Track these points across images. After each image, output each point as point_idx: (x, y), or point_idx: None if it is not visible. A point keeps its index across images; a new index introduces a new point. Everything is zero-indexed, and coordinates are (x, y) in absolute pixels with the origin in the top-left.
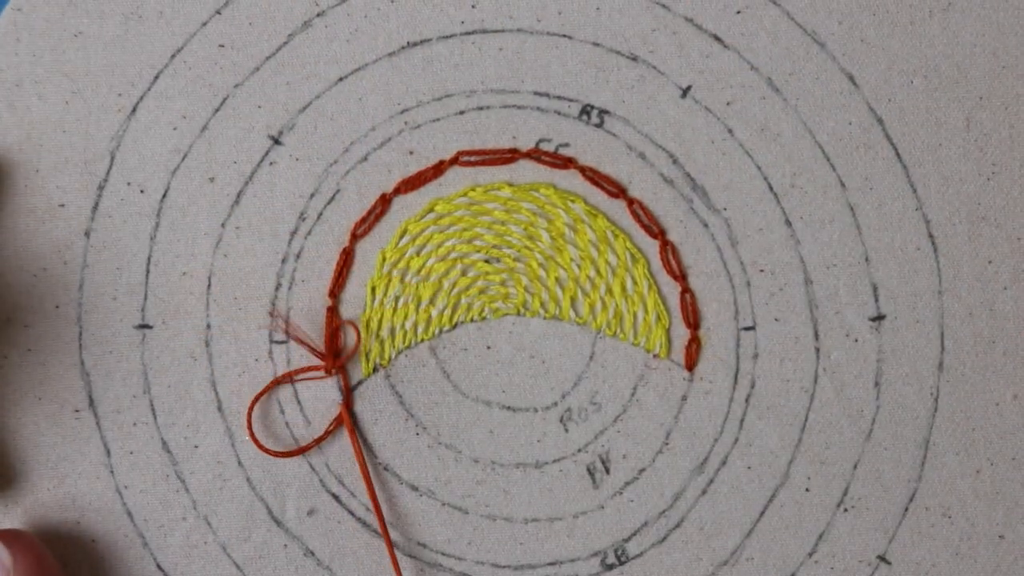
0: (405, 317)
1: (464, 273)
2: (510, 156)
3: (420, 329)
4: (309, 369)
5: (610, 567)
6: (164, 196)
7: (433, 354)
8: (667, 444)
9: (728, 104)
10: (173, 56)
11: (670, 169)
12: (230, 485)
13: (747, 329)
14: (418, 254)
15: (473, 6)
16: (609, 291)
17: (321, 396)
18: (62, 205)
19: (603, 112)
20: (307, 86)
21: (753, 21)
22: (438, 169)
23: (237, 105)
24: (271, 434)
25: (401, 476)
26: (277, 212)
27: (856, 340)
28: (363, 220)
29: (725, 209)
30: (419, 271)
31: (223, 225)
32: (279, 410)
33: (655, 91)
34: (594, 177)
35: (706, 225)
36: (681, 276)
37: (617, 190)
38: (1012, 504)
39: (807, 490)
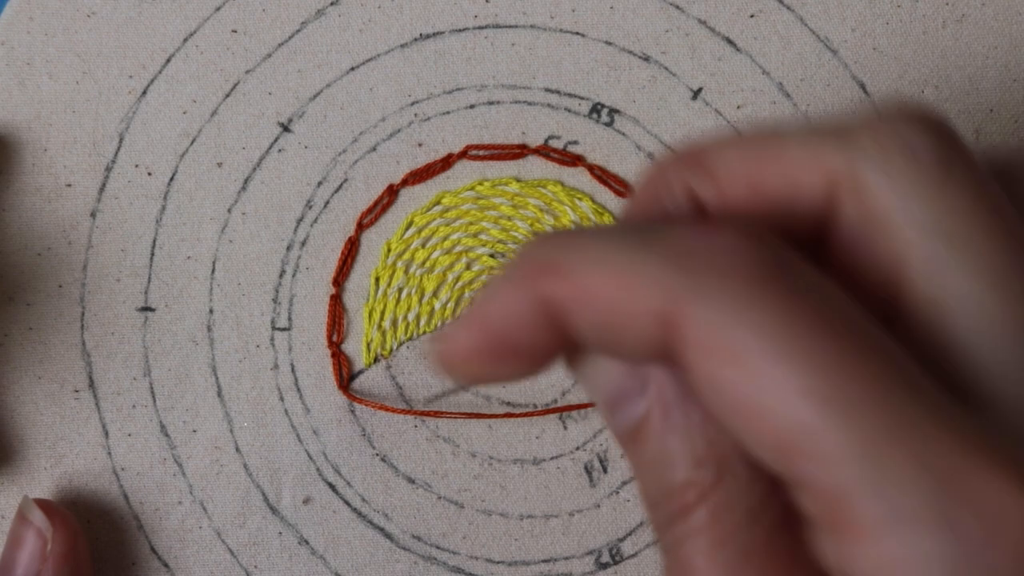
0: (408, 309)
1: (468, 267)
2: (519, 152)
3: (423, 321)
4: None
5: (604, 566)
6: (171, 179)
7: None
8: None
9: (739, 108)
10: (185, 40)
11: None
12: (227, 471)
13: None
14: (423, 246)
15: (487, 1)
16: None
17: (320, 384)
18: (69, 185)
19: (613, 111)
20: (318, 74)
21: (766, 26)
22: (446, 162)
23: (248, 91)
24: (268, 421)
25: (398, 467)
26: (284, 199)
27: None
28: (369, 210)
29: None
30: (423, 263)
31: (229, 210)
32: (278, 397)
33: (666, 92)
34: (602, 176)
35: None
36: None
37: (625, 189)
38: None
39: None
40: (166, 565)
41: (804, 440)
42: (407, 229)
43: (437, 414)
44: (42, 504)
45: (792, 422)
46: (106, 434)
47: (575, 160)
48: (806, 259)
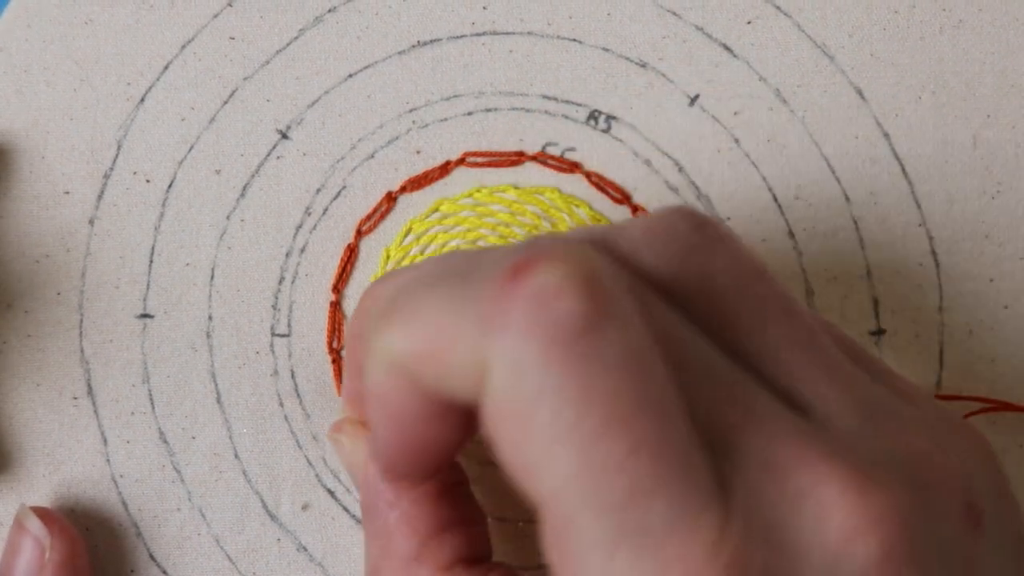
0: None
1: None
2: (516, 158)
3: None
4: None
5: None
6: (170, 186)
7: None
8: None
9: (736, 114)
10: (183, 47)
11: (675, 177)
12: (226, 477)
13: None
14: (422, 253)
15: (484, 8)
16: None
17: (320, 390)
18: (67, 192)
19: (610, 118)
20: (316, 81)
21: (763, 32)
22: (444, 169)
23: (246, 98)
24: (268, 427)
25: None
26: (282, 206)
27: None
28: (368, 217)
29: (729, 218)
30: None
31: (228, 217)
32: (278, 403)
33: (663, 98)
34: (599, 183)
35: None
36: None
37: (622, 196)
38: None
39: None
40: (165, 572)
41: (561, 517)
42: (406, 236)
43: None
44: (40, 512)
45: (554, 498)
46: (105, 441)
47: (572, 167)
48: (633, 291)
